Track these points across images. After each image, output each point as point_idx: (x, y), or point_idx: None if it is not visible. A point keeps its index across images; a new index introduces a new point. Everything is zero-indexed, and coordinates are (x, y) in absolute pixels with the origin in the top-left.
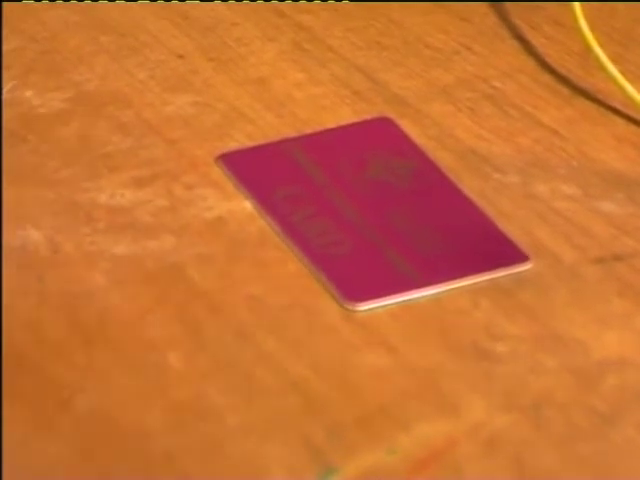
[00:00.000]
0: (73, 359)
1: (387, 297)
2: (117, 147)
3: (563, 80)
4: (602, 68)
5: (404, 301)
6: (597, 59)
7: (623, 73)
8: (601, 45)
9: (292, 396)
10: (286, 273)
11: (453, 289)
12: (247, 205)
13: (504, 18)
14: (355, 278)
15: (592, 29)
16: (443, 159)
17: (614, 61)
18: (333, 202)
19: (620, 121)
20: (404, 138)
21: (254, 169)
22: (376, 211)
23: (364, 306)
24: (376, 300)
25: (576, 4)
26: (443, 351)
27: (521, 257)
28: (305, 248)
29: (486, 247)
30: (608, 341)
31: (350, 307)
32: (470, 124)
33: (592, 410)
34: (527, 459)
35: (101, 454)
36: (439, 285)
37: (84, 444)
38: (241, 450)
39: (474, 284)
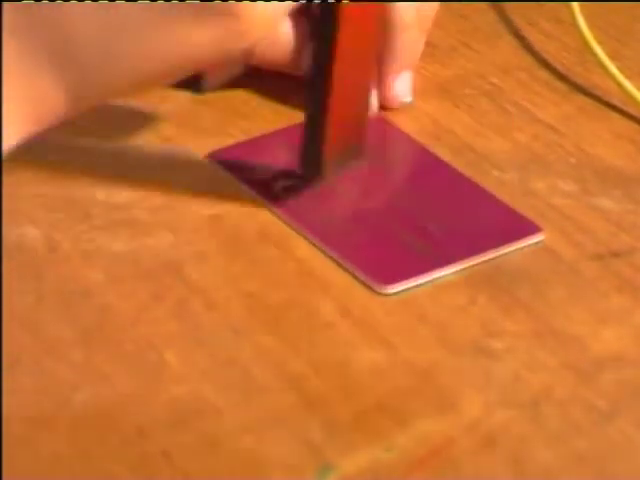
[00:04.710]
0: (71, 357)
1: (415, 277)
2: None
3: (561, 77)
4: (600, 65)
5: (414, 286)
6: (595, 56)
7: (621, 69)
8: (599, 42)
9: (290, 393)
10: (283, 270)
11: (450, 283)
12: (244, 202)
13: (502, 15)
14: (378, 262)
15: (590, 26)
16: (441, 155)
17: (612, 58)
18: (335, 192)
19: (618, 117)
20: (399, 131)
21: (250, 163)
22: (381, 198)
23: (396, 288)
24: (406, 281)
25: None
26: (441, 348)
27: (533, 228)
28: (319, 237)
29: (498, 223)
30: (606, 337)
31: (381, 290)
32: (468, 120)
33: (590, 406)
34: (525, 455)
35: (99, 452)
36: (460, 263)
37: (82, 442)
38: (239, 448)
39: (471, 279)
